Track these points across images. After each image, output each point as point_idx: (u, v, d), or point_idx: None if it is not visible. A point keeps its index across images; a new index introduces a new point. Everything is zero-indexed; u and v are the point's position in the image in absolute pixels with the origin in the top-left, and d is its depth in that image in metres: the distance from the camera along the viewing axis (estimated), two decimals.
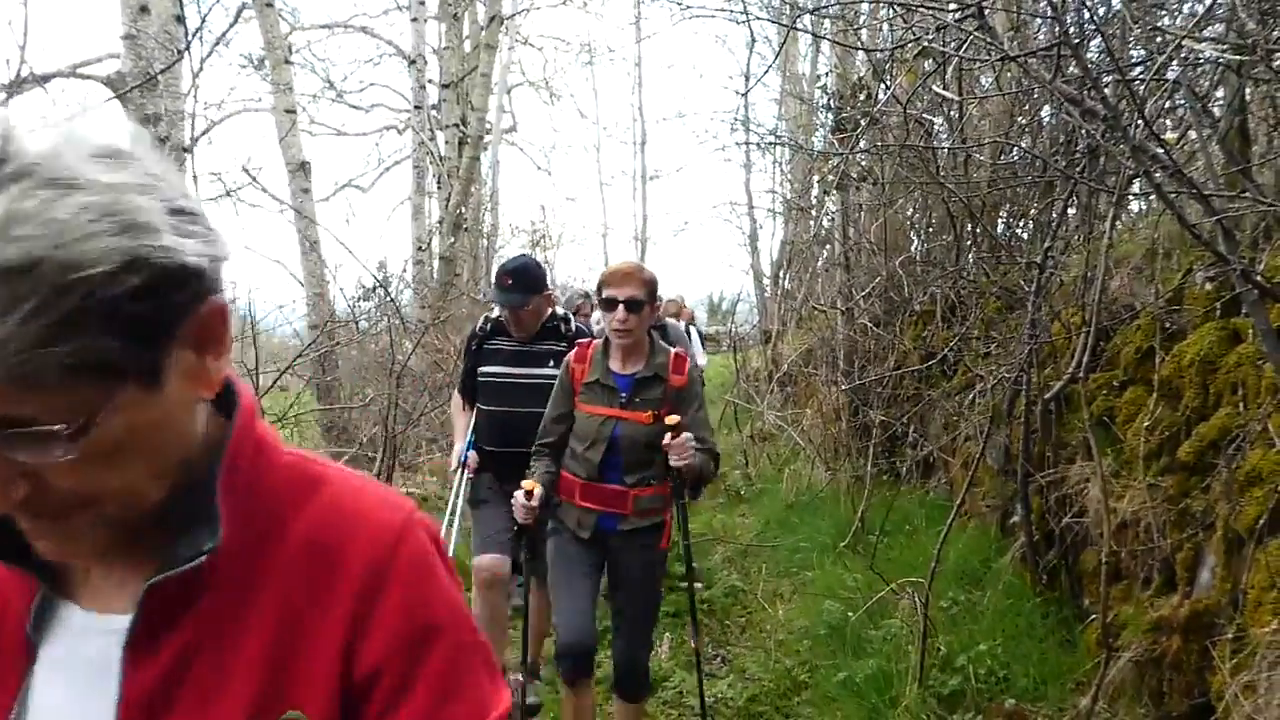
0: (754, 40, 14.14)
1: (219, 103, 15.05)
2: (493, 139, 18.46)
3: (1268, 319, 3.00)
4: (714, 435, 3.96)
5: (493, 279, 5.39)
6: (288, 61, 10.87)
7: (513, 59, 20.14)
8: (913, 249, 8.24)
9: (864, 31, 8.52)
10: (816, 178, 11.21)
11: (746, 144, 15.31)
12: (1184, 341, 3.78)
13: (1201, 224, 3.10)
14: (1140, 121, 3.07)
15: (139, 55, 6.89)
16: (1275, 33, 3.18)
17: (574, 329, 4.55)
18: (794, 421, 10.00)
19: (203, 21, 4.88)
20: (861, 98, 7.38)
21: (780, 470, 9.45)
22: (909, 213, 8.42)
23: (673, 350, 3.75)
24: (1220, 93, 4.27)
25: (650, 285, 3.66)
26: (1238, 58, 3.28)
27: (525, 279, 4.40)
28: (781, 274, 14.67)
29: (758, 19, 10.67)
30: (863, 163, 7.89)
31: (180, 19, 6.99)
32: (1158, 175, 3.07)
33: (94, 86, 7.30)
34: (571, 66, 50.78)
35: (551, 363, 4.28)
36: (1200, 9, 3.99)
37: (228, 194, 5.23)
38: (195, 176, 5.60)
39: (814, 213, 11.83)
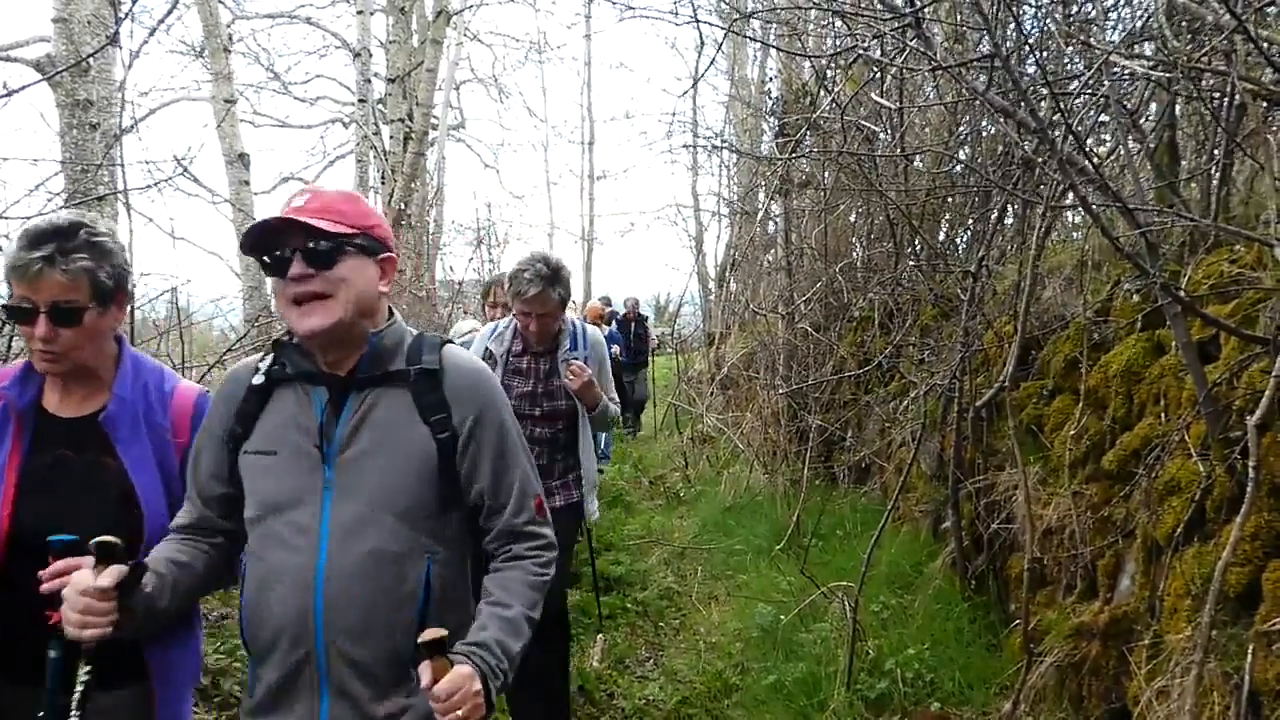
0: (702, 43, 14.11)
1: (149, 90, 14.74)
2: (439, 135, 18.28)
3: (1188, 332, 3.05)
4: None
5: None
6: (227, 50, 10.63)
7: (461, 55, 19.97)
8: (854, 255, 8.29)
9: (810, 38, 8.55)
10: (761, 182, 11.25)
11: (695, 147, 15.34)
12: (1110, 352, 3.84)
13: (1126, 237, 3.16)
14: (1070, 135, 3.11)
15: (70, 39, 6.69)
16: (1200, 52, 3.24)
17: None
18: (734, 424, 10.03)
19: (134, 4, 4.75)
20: (805, 103, 7.41)
21: (719, 473, 9.48)
22: (851, 219, 8.48)
23: None
24: (1153, 109, 4.35)
25: None
26: (1166, 75, 3.35)
27: None
28: (727, 277, 14.71)
29: (702, 22, 10.64)
30: (806, 168, 7.94)
31: (113, 2, 6.81)
32: (1084, 189, 3.11)
33: (22, 69, 7.09)
34: (521, 65, 50.52)
35: None
36: (1133, 26, 4.07)
37: (155, 185, 5.06)
38: (123, 166, 5.41)
39: (759, 217, 11.87)
